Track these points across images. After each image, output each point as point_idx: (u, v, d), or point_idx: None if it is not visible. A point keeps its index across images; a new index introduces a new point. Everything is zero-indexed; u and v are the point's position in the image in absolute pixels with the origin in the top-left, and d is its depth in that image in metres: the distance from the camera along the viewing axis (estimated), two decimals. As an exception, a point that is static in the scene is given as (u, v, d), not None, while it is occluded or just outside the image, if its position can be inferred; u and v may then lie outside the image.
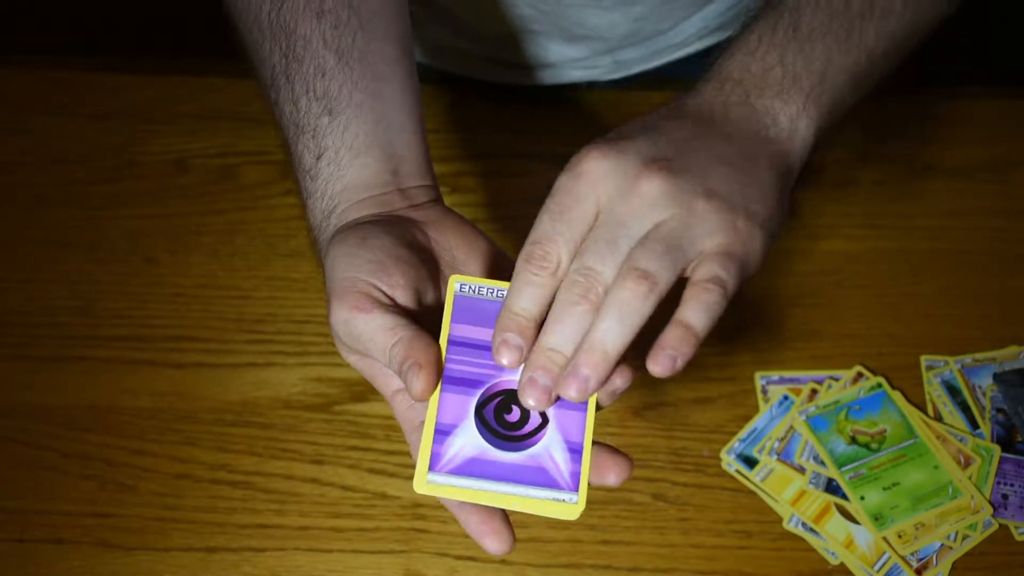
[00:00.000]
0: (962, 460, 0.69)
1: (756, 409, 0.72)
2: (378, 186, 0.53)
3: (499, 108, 0.85)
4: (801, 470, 0.69)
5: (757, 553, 0.68)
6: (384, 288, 0.48)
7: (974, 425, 0.71)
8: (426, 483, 0.45)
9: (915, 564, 0.66)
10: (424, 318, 0.48)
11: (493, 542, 0.47)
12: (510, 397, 0.47)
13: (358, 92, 0.53)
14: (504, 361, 0.46)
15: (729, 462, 0.70)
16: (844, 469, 0.69)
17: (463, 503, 0.46)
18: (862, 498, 0.68)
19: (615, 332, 0.45)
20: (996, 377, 0.72)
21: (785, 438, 0.71)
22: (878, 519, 0.67)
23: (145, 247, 0.79)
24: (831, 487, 0.69)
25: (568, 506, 0.46)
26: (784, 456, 0.70)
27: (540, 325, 0.46)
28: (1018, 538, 0.68)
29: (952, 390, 0.72)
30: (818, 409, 0.70)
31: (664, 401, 0.73)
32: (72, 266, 0.78)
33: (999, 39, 1.35)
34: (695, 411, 0.73)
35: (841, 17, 0.53)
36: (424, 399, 0.46)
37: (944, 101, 0.86)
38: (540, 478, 0.46)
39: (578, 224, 0.46)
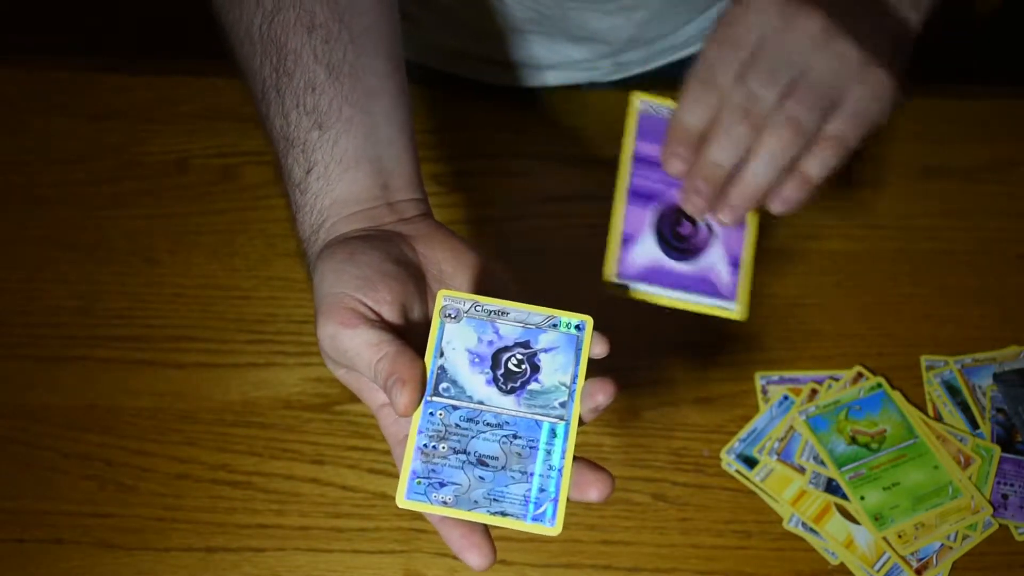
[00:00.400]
0: (962, 460, 0.69)
1: (756, 409, 0.72)
2: (367, 200, 0.53)
3: (499, 108, 0.85)
4: (801, 470, 0.69)
5: (757, 553, 0.68)
6: (370, 303, 0.48)
7: (974, 425, 0.71)
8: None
9: (915, 564, 0.66)
10: (410, 333, 0.49)
11: (474, 556, 0.47)
12: (682, 213, 0.54)
13: (348, 107, 0.54)
14: (672, 170, 0.53)
15: (729, 462, 0.70)
16: (844, 469, 0.69)
17: (444, 518, 0.47)
18: (862, 498, 0.68)
19: (763, 174, 0.52)
20: (996, 377, 0.72)
21: (785, 438, 0.71)
22: (878, 519, 0.67)
23: (145, 247, 0.79)
24: (831, 487, 0.69)
25: (726, 311, 0.54)
26: (784, 456, 0.70)
27: (703, 138, 0.52)
28: (1018, 538, 0.68)
29: (952, 390, 0.72)
30: (818, 409, 0.70)
31: (664, 401, 0.73)
32: (72, 266, 0.78)
33: (999, 39, 1.35)
34: (695, 411, 0.73)
35: None
36: (408, 414, 0.46)
37: (944, 101, 0.86)
38: (706, 288, 0.54)
39: (741, 51, 0.51)
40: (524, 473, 0.46)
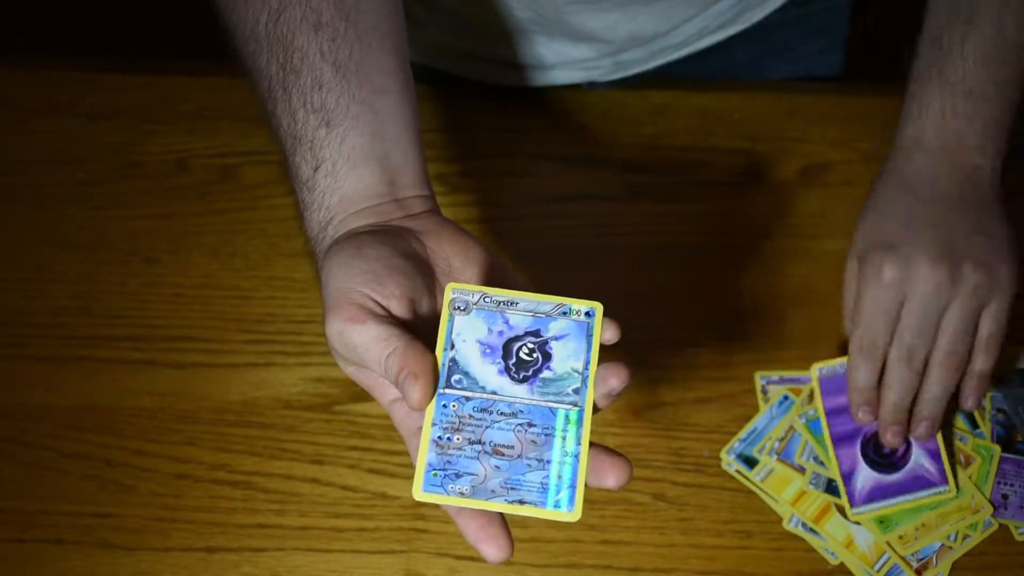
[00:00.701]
0: (962, 459, 0.69)
1: (756, 409, 0.72)
2: (375, 197, 0.53)
3: (500, 108, 0.85)
4: (801, 470, 0.69)
5: (757, 553, 0.68)
6: (379, 299, 0.48)
7: (974, 425, 0.71)
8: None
9: (915, 564, 0.66)
10: (420, 328, 0.49)
11: (491, 548, 0.47)
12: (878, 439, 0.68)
13: (355, 104, 0.54)
14: (864, 421, 0.68)
15: (729, 462, 0.70)
16: (844, 469, 0.69)
17: (461, 510, 0.47)
18: (862, 498, 0.68)
19: (938, 396, 0.67)
20: (996, 378, 0.72)
21: (785, 438, 0.71)
22: (882, 522, 0.67)
23: (145, 247, 0.79)
24: (831, 487, 0.69)
25: (943, 494, 0.67)
26: (784, 456, 0.70)
27: (877, 389, 0.68)
28: (1018, 538, 0.68)
29: (952, 390, 0.72)
30: (817, 412, 0.70)
31: (664, 401, 0.73)
32: (72, 266, 0.78)
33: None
34: (695, 411, 0.73)
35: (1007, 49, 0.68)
36: (421, 408, 0.46)
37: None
38: (922, 483, 0.67)
39: (892, 315, 0.67)
40: (540, 461, 0.46)
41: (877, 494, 0.67)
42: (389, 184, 0.53)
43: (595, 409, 0.47)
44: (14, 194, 0.82)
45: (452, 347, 0.48)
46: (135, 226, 0.80)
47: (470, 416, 0.47)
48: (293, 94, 0.54)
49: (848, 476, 0.68)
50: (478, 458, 0.46)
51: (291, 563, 0.68)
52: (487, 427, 0.47)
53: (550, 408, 0.47)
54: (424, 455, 0.46)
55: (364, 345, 0.47)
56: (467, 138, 0.84)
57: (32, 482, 0.70)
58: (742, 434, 0.71)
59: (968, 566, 0.67)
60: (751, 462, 0.70)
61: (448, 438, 0.46)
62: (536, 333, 0.48)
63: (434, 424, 0.47)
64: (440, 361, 0.48)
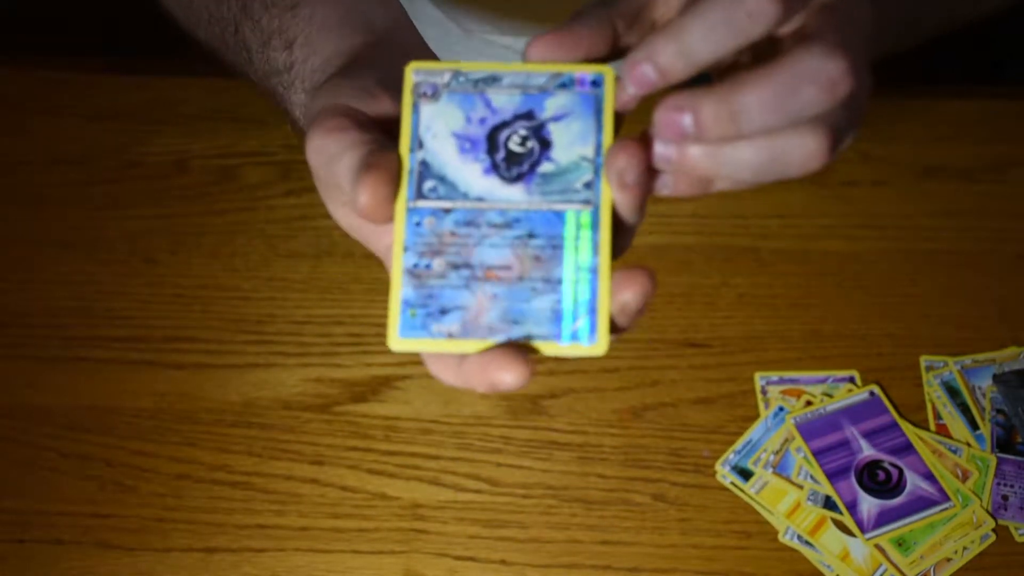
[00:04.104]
0: (959, 473, 0.69)
1: (756, 409, 0.72)
2: (362, 47, 0.47)
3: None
4: (799, 487, 0.69)
5: (757, 553, 0.68)
6: (369, 113, 0.40)
7: (974, 426, 0.71)
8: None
9: None
10: None
11: (506, 374, 0.36)
12: (871, 466, 0.67)
13: None
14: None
15: (724, 474, 0.70)
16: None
17: (451, 356, 0.38)
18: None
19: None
20: (996, 378, 0.72)
21: (780, 451, 0.70)
22: (901, 544, 0.67)
23: (145, 247, 0.79)
24: (829, 503, 0.68)
25: (950, 510, 0.66)
26: (780, 469, 0.70)
27: None
28: (1018, 539, 0.68)
29: (952, 391, 0.72)
30: (806, 453, 0.70)
31: (664, 401, 0.73)
32: (72, 266, 0.78)
33: (999, 39, 1.35)
34: (695, 411, 0.73)
35: None
36: (374, 217, 0.37)
37: (944, 101, 0.86)
38: (923, 504, 0.66)
39: None
40: (548, 281, 0.37)
41: (884, 518, 0.67)
42: (375, 46, 0.46)
43: (616, 328, 0.38)
44: (14, 194, 0.82)
45: (420, 146, 0.38)
46: (135, 226, 0.80)
47: (451, 233, 0.37)
48: (254, 5, 0.51)
49: (852, 506, 0.67)
50: (467, 286, 0.37)
51: (291, 563, 0.68)
52: (475, 245, 0.37)
53: (555, 211, 0.38)
54: (397, 291, 0.37)
55: (339, 155, 0.39)
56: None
57: (32, 482, 0.70)
58: (737, 445, 0.71)
59: (968, 567, 0.67)
60: (746, 474, 0.70)
61: (426, 265, 0.37)
62: (529, 115, 0.38)
63: (407, 249, 0.37)
64: (406, 166, 0.38)
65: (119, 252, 0.79)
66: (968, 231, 0.80)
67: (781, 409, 0.72)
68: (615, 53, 0.40)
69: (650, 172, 0.37)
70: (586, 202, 0.37)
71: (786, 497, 0.69)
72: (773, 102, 0.35)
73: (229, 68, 0.57)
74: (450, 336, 0.36)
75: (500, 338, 0.36)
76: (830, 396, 0.72)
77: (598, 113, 0.38)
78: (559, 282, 0.36)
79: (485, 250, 0.37)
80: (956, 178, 0.82)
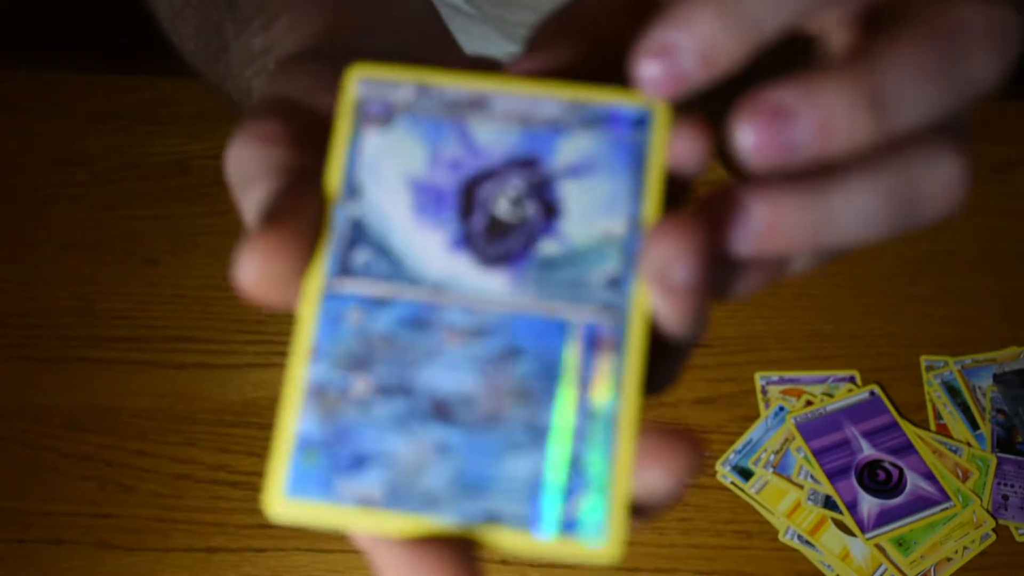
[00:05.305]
0: (960, 473, 0.69)
1: (756, 409, 0.72)
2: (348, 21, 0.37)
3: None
4: (799, 486, 0.69)
5: (757, 553, 0.68)
6: (323, 107, 0.28)
7: (974, 426, 0.71)
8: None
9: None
10: None
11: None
12: (871, 465, 0.68)
13: None
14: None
15: (724, 474, 0.70)
16: (844, 471, 0.69)
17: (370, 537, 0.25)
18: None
19: None
20: (996, 378, 0.72)
21: (780, 451, 0.70)
22: (902, 544, 0.67)
23: (145, 248, 0.79)
24: (829, 503, 0.68)
25: (950, 510, 0.66)
26: (780, 469, 0.70)
27: None
28: (1018, 539, 0.68)
29: (952, 391, 0.72)
30: (806, 454, 0.70)
31: (664, 401, 0.73)
32: (72, 266, 0.78)
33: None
34: (695, 411, 0.73)
35: None
36: (264, 296, 0.26)
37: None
38: (923, 503, 0.66)
39: None
40: (533, 430, 0.24)
41: (884, 517, 0.67)
42: (365, 18, 0.35)
43: (655, 340, 0.25)
44: (14, 194, 0.82)
45: (355, 195, 0.25)
46: (135, 227, 0.80)
47: (387, 338, 0.25)
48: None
49: (852, 506, 0.68)
50: (402, 425, 0.24)
51: (291, 563, 0.68)
52: (423, 360, 0.24)
53: (555, 319, 0.24)
54: (291, 420, 0.25)
55: (252, 180, 0.28)
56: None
57: (32, 482, 0.70)
58: (737, 445, 0.71)
59: (968, 567, 0.67)
60: (746, 474, 0.70)
61: (340, 384, 0.25)
62: (529, 163, 0.25)
63: (315, 354, 0.25)
64: (328, 222, 0.25)
65: (119, 252, 0.79)
66: (968, 231, 0.80)
67: (781, 409, 0.72)
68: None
69: (715, 264, 0.23)
70: (608, 307, 0.24)
71: (786, 497, 0.69)
72: (936, 67, 0.22)
73: (211, 85, 0.54)
74: (364, 503, 0.23)
75: (444, 517, 0.23)
76: (830, 396, 0.72)
77: (637, 169, 0.24)
78: (550, 433, 0.23)
79: (437, 370, 0.24)
80: (956, 178, 0.82)
